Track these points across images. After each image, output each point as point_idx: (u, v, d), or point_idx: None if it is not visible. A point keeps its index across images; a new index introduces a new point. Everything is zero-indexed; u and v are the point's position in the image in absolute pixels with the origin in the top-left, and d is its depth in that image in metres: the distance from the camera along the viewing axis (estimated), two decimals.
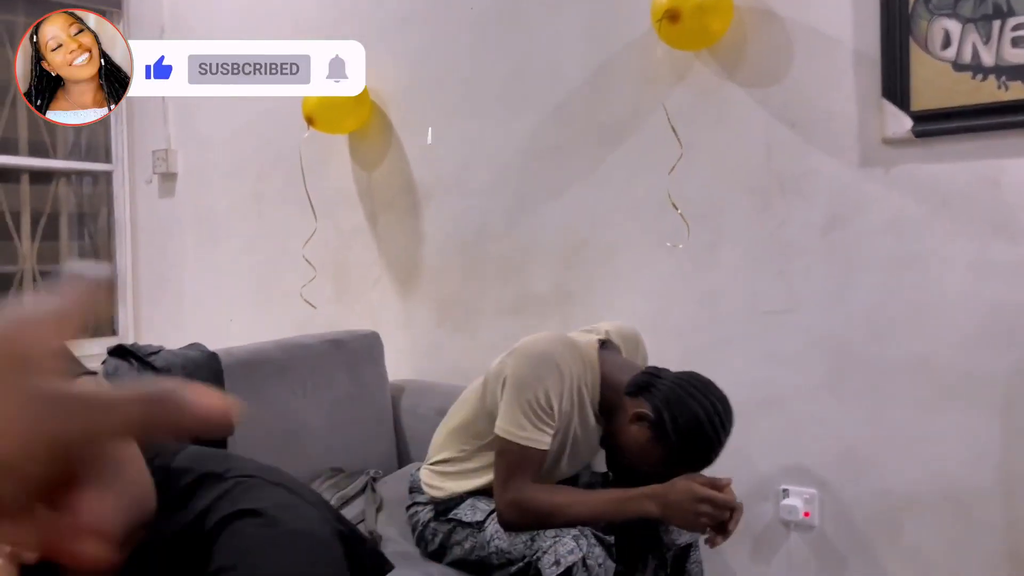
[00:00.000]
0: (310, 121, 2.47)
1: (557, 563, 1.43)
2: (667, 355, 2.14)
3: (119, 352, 1.90)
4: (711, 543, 1.50)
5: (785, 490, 2.02)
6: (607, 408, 1.62)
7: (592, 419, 1.64)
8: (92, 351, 3.24)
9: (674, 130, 2.04)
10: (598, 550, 1.46)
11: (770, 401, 2.03)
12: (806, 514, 1.98)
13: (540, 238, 2.35)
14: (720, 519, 1.45)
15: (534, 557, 1.47)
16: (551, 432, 1.54)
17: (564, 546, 1.45)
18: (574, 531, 1.47)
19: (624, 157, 2.19)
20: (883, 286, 1.90)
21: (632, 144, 2.18)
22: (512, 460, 1.53)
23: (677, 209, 2.05)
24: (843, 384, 1.95)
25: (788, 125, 1.98)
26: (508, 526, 1.54)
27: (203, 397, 0.34)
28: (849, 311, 1.94)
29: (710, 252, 2.09)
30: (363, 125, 2.63)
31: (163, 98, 3.18)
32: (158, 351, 1.94)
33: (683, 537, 1.61)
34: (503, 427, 1.54)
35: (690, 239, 2.07)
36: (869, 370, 1.92)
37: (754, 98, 2.02)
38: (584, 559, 1.43)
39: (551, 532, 1.48)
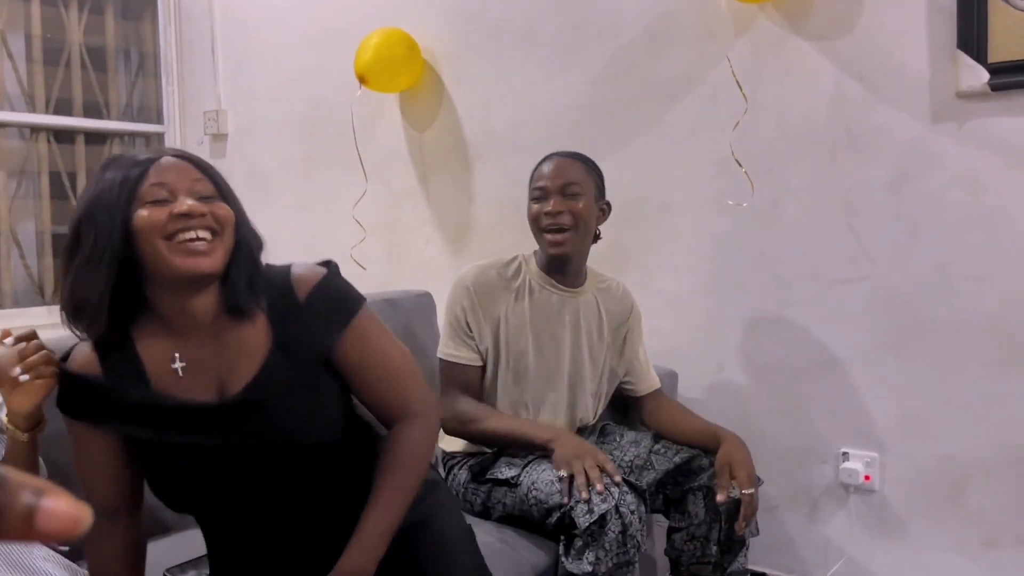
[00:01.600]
0: (362, 80, 2.45)
1: (590, 511, 1.43)
2: (725, 314, 2.12)
3: None
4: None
5: (845, 453, 1.99)
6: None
7: (542, 291, 1.77)
8: None
9: (739, 84, 1.98)
10: (631, 497, 1.47)
11: (831, 363, 2.00)
12: (866, 477, 1.95)
13: None
14: (581, 481, 1.49)
15: (569, 505, 1.47)
16: (472, 344, 1.74)
17: (597, 494, 1.44)
18: (607, 480, 1.47)
19: (684, 112, 2.15)
20: (952, 244, 1.85)
21: (692, 99, 2.13)
22: (444, 376, 1.76)
23: (742, 167, 2.00)
24: (907, 345, 1.91)
25: (856, 78, 1.92)
26: (447, 434, 1.74)
27: (52, 501, 0.30)
28: (916, 270, 1.89)
29: (772, 210, 2.04)
30: (414, 84, 2.60)
31: (214, 58, 3.18)
32: None
33: (736, 491, 1.60)
34: (438, 350, 1.78)
35: (751, 196, 2.03)
36: (935, 331, 1.88)
37: (821, 51, 1.96)
38: (617, 507, 1.43)
39: (584, 481, 1.47)
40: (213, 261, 1.09)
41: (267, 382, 1.14)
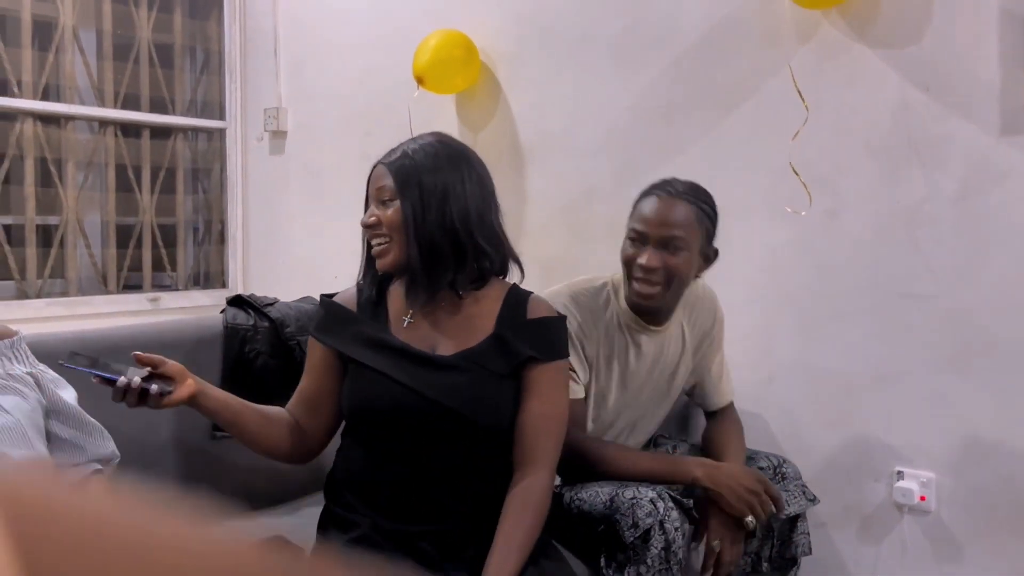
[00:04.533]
0: (420, 80, 2.47)
1: (635, 526, 1.42)
2: (778, 325, 2.09)
3: (237, 302, 1.96)
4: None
5: (900, 472, 1.94)
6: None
7: (629, 328, 1.68)
8: (203, 302, 3.38)
9: (799, 92, 1.95)
10: (675, 513, 1.45)
11: (887, 377, 1.95)
12: (922, 498, 1.90)
13: None
14: (764, 511, 1.50)
15: (613, 519, 1.47)
16: (579, 381, 1.63)
17: (642, 509, 1.43)
18: (652, 493, 1.45)
19: (742, 118, 2.12)
20: (1019, 261, 1.79)
21: (751, 105, 2.10)
22: None
23: (799, 176, 1.97)
24: (969, 362, 1.85)
25: (922, 88, 1.87)
26: (561, 471, 1.58)
27: None
28: (980, 286, 1.83)
29: (830, 220, 2.00)
30: (471, 85, 2.62)
31: (276, 57, 3.24)
32: (273, 303, 1.99)
33: (791, 507, 1.57)
34: None
35: (809, 205, 1.99)
36: (999, 348, 1.82)
37: (886, 59, 1.91)
38: (661, 522, 1.42)
39: (628, 494, 1.47)
40: (383, 261, 1.40)
41: (475, 357, 1.39)
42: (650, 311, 1.66)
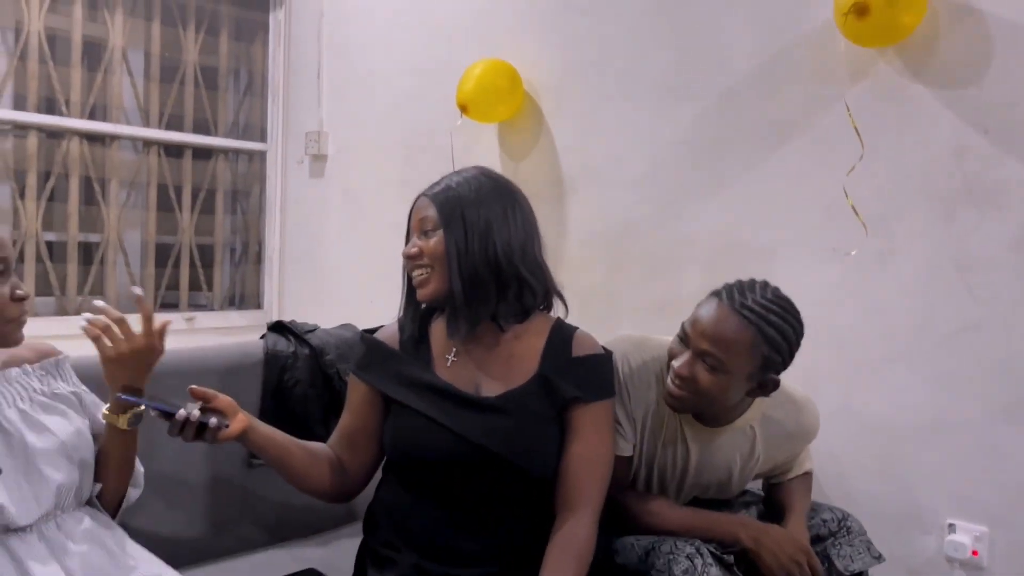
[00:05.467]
0: (463, 109, 2.47)
1: None
2: (826, 368, 2.03)
3: (277, 328, 1.95)
4: None
5: (951, 525, 1.87)
6: None
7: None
8: (238, 322, 3.39)
9: (856, 129, 1.91)
10: (714, 570, 1.38)
11: (938, 426, 1.89)
12: (974, 553, 1.83)
13: (692, 236, 2.27)
14: None
15: (648, 574, 1.42)
16: (627, 438, 1.53)
17: (679, 565, 1.38)
18: (690, 548, 1.40)
19: (792, 154, 2.08)
20: None
21: (802, 142, 2.06)
22: None
23: (858, 214, 1.92)
24: None
25: (981, 131, 1.82)
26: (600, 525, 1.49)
27: None
28: None
29: (881, 261, 1.95)
30: (514, 115, 2.61)
31: (319, 81, 3.26)
32: (313, 329, 1.98)
33: (855, 564, 1.52)
34: None
35: (861, 245, 1.94)
36: None
37: (943, 100, 1.87)
38: None
39: (666, 548, 1.42)
40: (424, 291, 1.39)
41: (520, 399, 1.37)
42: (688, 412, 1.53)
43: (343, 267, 3.24)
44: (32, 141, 2.84)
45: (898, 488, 1.95)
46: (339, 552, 1.73)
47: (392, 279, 3.28)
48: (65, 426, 1.31)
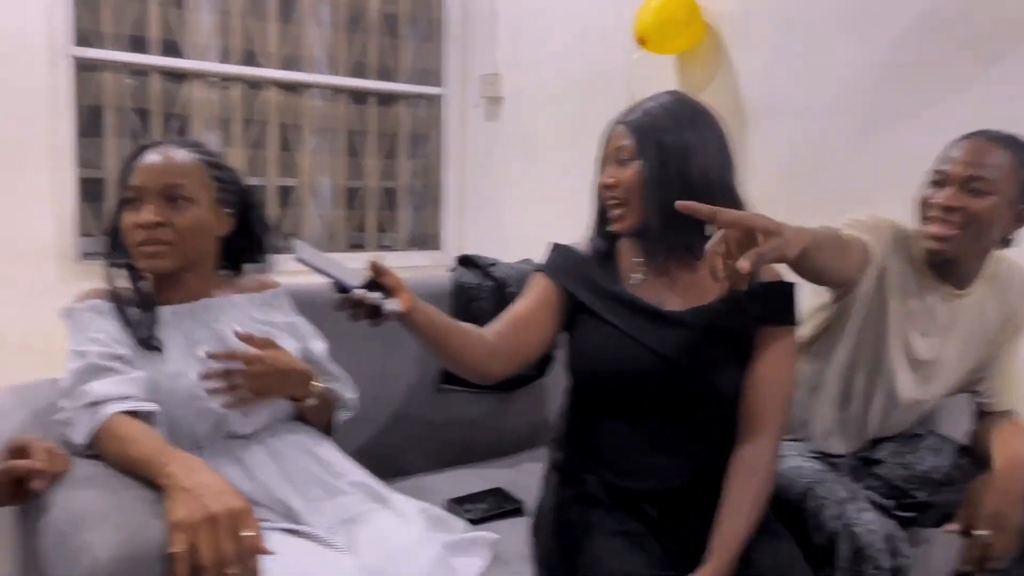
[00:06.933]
0: (642, 42, 2.42)
1: (820, 528, 1.39)
2: None
3: (464, 262, 2.03)
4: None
5: None
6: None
7: (919, 282, 1.55)
8: (420, 262, 3.54)
9: None
10: (870, 515, 1.38)
11: None
12: None
13: (890, 167, 2.13)
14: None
15: (802, 516, 1.42)
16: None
17: (828, 511, 1.40)
18: (843, 493, 1.41)
19: (1006, 74, 1.90)
20: None
21: (1018, 59, 1.87)
22: None
23: None
24: None
25: None
26: None
27: None
28: None
29: None
30: (693, 46, 2.53)
31: (494, 23, 3.30)
32: (494, 263, 2.04)
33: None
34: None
35: None
36: None
37: None
38: (849, 526, 1.36)
39: (821, 492, 1.43)
40: (620, 225, 1.38)
41: (706, 315, 1.37)
42: (944, 263, 1.51)
43: (519, 207, 3.30)
44: (236, 92, 3.07)
45: None
46: (524, 474, 1.80)
47: (567, 218, 3.30)
48: None
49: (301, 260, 1.14)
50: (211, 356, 1.26)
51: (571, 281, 1.44)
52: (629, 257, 1.45)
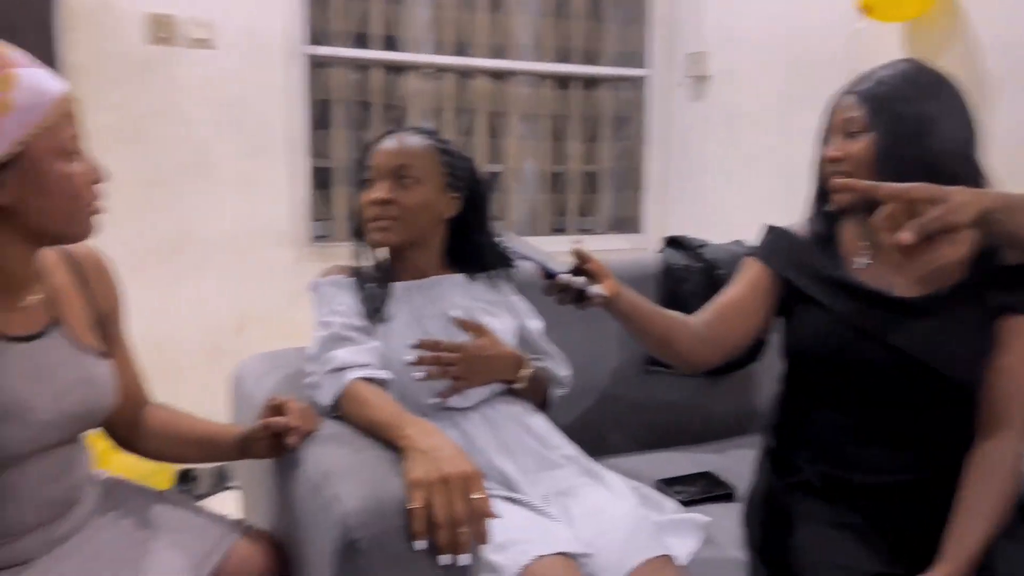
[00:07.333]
0: (868, 9, 2.28)
1: None
2: None
3: (673, 243, 2.02)
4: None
5: None
6: None
7: None
8: (620, 245, 3.55)
9: None
10: None
11: None
12: None
13: None
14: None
15: None
16: None
17: None
18: None
19: None
20: None
21: None
22: None
23: None
24: None
25: None
26: None
27: None
28: None
29: None
30: (925, 10, 2.34)
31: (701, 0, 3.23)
32: (704, 245, 2.01)
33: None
34: None
35: None
36: None
37: None
38: None
39: None
40: (841, 198, 1.29)
41: (943, 302, 1.26)
42: None
43: (723, 189, 3.22)
44: (448, 82, 3.21)
45: None
46: (732, 459, 1.76)
47: (776, 201, 3.20)
48: (498, 326, 1.49)
49: (510, 248, 1.23)
50: (419, 346, 1.34)
51: (787, 266, 1.39)
52: (853, 238, 1.37)
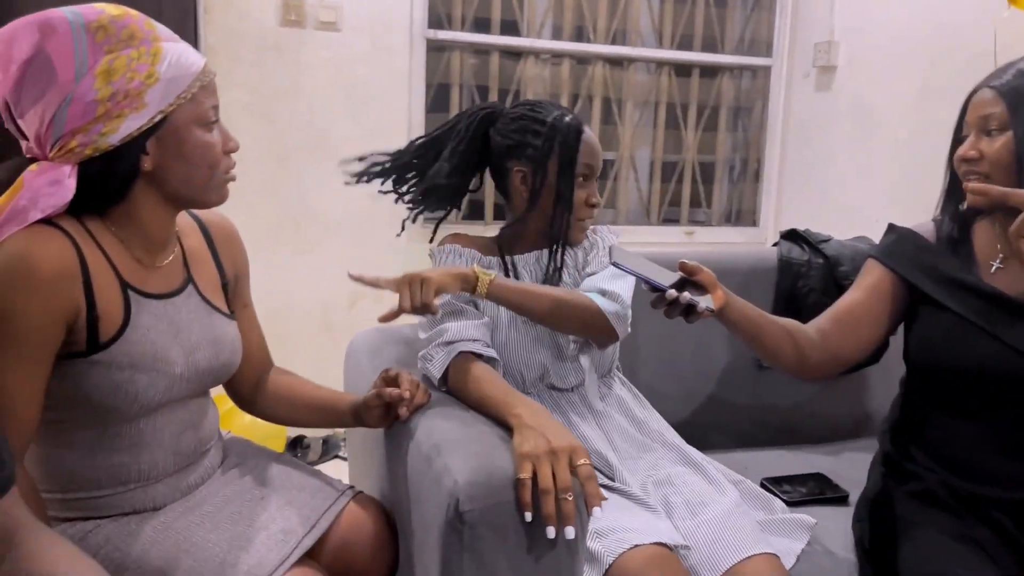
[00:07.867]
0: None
1: None
2: None
3: (791, 236, 1.95)
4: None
5: None
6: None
7: None
8: (734, 238, 3.47)
9: None
10: None
11: None
12: None
13: None
14: None
15: None
16: None
17: None
18: None
19: None
20: None
21: None
22: None
23: None
24: None
25: None
26: None
27: None
28: None
29: None
30: None
31: None
32: (827, 240, 1.94)
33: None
34: None
35: None
36: None
37: None
38: None
39: None
40: (979, 199, 1.18)
41: None
42: None
43: (845, 183, 3.09)
44: (565, 67, 3.20)
45: None
46: (845, 463, 1.71)
47: (905, 199, 3.06)
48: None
49: (617, 264, 1.22)
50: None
51: (911, 269, 1.33)
52: (987, 241, 1.30)
